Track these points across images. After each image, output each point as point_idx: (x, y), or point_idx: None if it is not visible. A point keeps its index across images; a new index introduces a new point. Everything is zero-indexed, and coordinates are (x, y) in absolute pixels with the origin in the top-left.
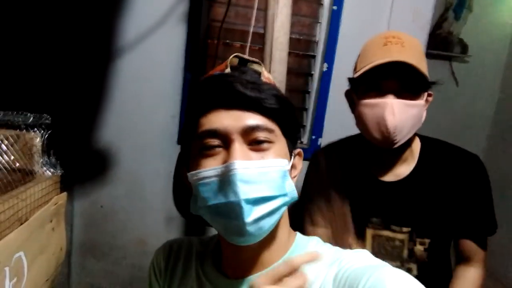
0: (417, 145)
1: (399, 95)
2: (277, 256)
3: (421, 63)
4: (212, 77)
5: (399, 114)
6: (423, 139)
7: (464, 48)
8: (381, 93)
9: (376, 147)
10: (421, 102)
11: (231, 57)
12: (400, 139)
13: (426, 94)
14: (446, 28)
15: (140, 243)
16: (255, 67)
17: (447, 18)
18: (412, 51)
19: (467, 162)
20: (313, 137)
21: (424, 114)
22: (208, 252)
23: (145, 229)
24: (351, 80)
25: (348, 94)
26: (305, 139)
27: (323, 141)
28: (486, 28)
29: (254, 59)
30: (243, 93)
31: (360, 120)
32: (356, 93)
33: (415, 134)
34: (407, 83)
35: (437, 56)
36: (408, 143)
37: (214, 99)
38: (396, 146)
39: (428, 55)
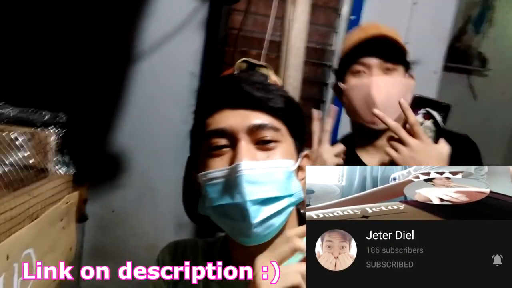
0: None
1: (382, 73)
2: None
3: (398, 38)
4: (219, 78)
5: (384, 90)
6: None
7: (483, 62)
8: (365, 73)
9: (370, 134)
10: (403, 79)
11: (238, 61)
12: (389, 116)
13: (407, 74)
14: (465, 41)
15: (151, 248)
16: (263, 71)
17: (467, 32)
18: (388, 30)
19: (458, 143)
20: None
21: (410, 95)
22: (214, 252)
23: (155, 234)
24: (335, 71)
25: (335, 87)
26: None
27: None
28: (506, 42)
29: (261, 63)
30: (249, 92)
31: (348, 106)
32: (342, 81)
33: None
34: (386, 56)
35: (456, 69)
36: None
37: (221, 99)
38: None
39: (446, 68)
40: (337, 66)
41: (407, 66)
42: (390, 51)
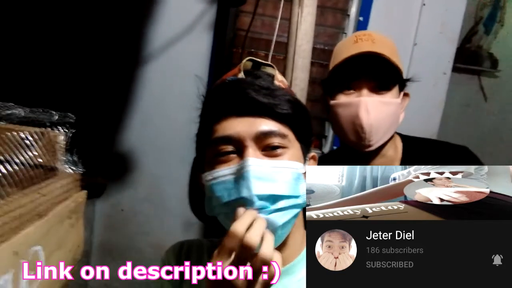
0: (399, 143)
1: (373, 93)
2: (291, 258)
3: (394, 57)
4: (225, 83)
5: (374, 112)
6: (405, 138)
7: (494, 62)
8: (355, 92)
9: (355, 153)
10: (397, 100)
11: (244, 60)
12: (376, 141)
13: (402, 93)
14: (475, 42)
15: (158, 247)
16: (269, 70)
17: (477, 32)
18: (383, 46)
19: (455, 156)
20: (334, 147)
21: (402, 115)
22: None
23: (163, 234)
24: (324, 82)
25: (323, 99)
26: (326, 149)
27: None
28: None
29: (267, 62)
30: (256, 99)
31: (334, 123)
32: (330, 96)
33: (396, 133)
34: (380, 78)
35: (466, 71)
36: (390, 141)
37: (228, 106)
38: (371, 148)
39: (456, 69)
40: (326, 77)
41: (402, 84)
42: (383, 71)
